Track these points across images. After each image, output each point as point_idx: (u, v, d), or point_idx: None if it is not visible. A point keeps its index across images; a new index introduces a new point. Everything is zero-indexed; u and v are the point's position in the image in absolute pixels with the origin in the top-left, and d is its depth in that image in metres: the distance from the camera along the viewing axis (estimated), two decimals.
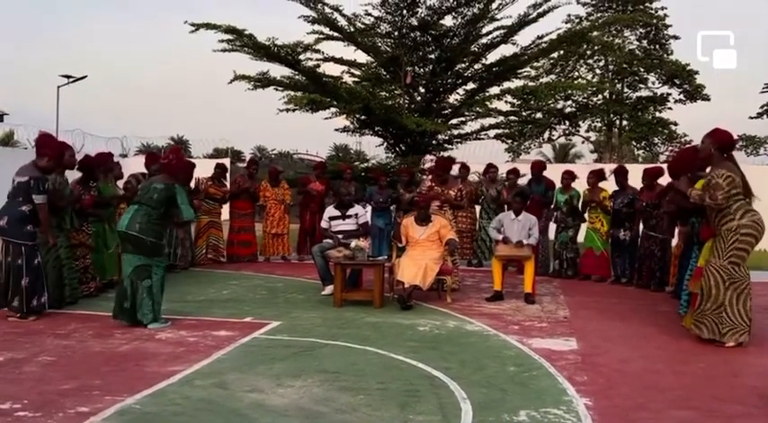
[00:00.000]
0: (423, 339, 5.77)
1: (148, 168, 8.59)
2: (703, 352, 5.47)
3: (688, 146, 6.24)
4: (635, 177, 9.41)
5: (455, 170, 10.43)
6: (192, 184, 10.26)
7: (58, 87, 27.26)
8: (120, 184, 8.63)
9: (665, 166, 8.53)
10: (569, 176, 9.87)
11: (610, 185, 9.68)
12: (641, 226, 9.00)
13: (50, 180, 6.43)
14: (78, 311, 6.69)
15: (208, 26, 12.36)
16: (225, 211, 11.52)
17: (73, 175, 7.39)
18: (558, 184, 10.05)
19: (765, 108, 31.82)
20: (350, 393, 4.19)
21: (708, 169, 5.87)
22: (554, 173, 10.54)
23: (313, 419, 3.73)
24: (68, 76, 27.14)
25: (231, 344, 5.43)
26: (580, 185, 9.96)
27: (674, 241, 8.59)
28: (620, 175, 9.45)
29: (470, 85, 13.83)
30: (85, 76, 27.48)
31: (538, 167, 10.53)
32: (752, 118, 32.26)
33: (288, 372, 4.63)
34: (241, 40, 12.58)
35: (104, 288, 7.74)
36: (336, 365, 4.84)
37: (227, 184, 11.34)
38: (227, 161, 15.04)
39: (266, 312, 6.79)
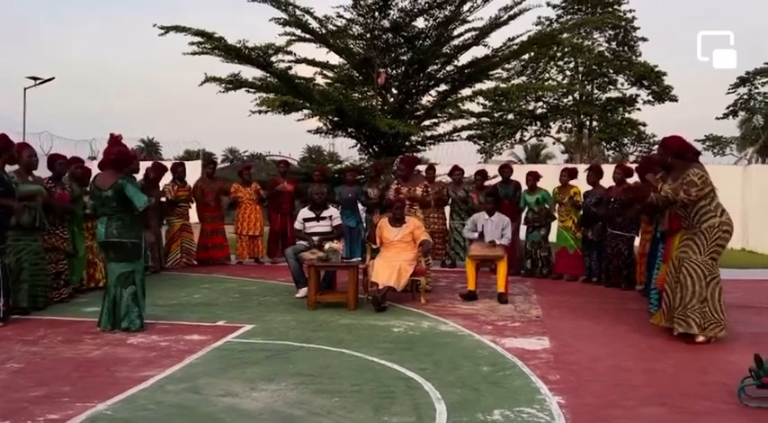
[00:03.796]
0: (397, 340, 5.78)
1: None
2: (673, 349, 5.55)
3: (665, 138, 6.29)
4: (606, 176, 9.54)
5: (421, 169, 10.52)
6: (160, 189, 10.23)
7: (25, 89, 26.89)
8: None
9: (635, 166, 8.68)
10: (533, 178, 9.96)
11: (582, 185, 9.79)
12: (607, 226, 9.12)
13: (6, 175, 6.31)
14: (47, 317, 6.60)
15: (177, 29, 12.24)
16: (192, 212, 11.35)
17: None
18: (524, 186, 10.13)
19: (731, 109, 32.46)
20: (324, 396, 4.18)
21: (672, 173, 5.96)
22: (523, 173, 10.61)
23: (288, 422, 3.72)
24: (35, 78, 26.73)
25: (204, 348, 5.39)
26: (546, 184, 10.08)
27: (638, 240, 8.72)
28: (594, 172, 9.56)
29: (443, 87, 13.87)
30: (53, 79, 27.18)
31: (506, 171, 10.61)
32: (718, 119, 32.93)
33: (262, 375, 4.62)
34: (211, 43, 12.49)
35: (73, 293, 7.65)
36: (311, 368, 4.84)
37: (190, 183, 11.13)
38: (196, 163, 14.92)
39: (239, 316, 6.75)
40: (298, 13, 12.92)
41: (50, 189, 7.24)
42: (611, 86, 31.59)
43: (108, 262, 6.18)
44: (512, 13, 12.83)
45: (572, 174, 9.84)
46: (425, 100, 13.93)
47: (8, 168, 6.45)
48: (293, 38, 13.38)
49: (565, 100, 31.19)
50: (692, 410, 4.05)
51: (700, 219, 5.67)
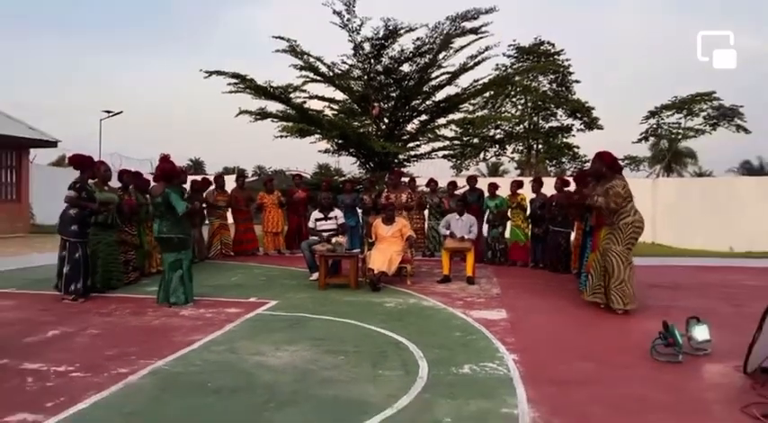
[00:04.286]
0: (389, 313, 5.79)
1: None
2: (600, 318, 5.60)
3: (597, 154, 6.33)
4: (548, 186, 9.60)
5: (405, 181, 10.58)
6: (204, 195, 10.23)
7: (101, 120, 26.79)
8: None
9: (571, 178, 8.76)
10: (493, 187, 10.07)
11: (527, 192, 9.86)
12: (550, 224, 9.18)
13: (89, 186, 6.35)
14: (118, 295, 6.59)
15: (218, 73, 12.24)
16: (229, 214, 11.35)
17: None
18: (486, 193, 10.19)
19: (643, 135, 32.77)
20: (333, 355, 4.19)
21: (602, 181, 6.01)
22: (485, 184, 10.69)
23: (304, 375, 3.73)
24: (108, 111, 26.69)
25: (239, 318, 5.40)
26: (502, 193, 10.14)
27: (573, 234, 8.77)
28: (536, 182, 9.67)
29: (423, 117, 13.86)
30: (122, 112, 27.09)
31: (472, 181, 10.69)
32: (634, 142, 33.22)
33: (284, 339, 4.62)
34: (244, 84, 12.48)
35: (139, 277, 7.63)
36: (322, 334, 4.84)
37: (228, 191, 11.20)
38: (233, 176, 14.89)
39: (266, 294, 6.73)
40: (311, 60, 12.95)
41: (120, 196, 7.24)
42: (552, 118, 31.78)
43: (162, 252, 6.19)
44: (476, 60, 12.90)
45: (519, 185, 10.01)
46: (410, 127, 13.93)
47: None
48: (307, 79, 13.39)
49: (517, 128, 31.32)
50: (615, 364, 4.09)
51: (618, 217, 5.74)
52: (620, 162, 6.08)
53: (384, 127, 13.41)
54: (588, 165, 8.31)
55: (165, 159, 6.26)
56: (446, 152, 14.79)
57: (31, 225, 16.13)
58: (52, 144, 16.40)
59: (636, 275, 5.79)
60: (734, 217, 14.92)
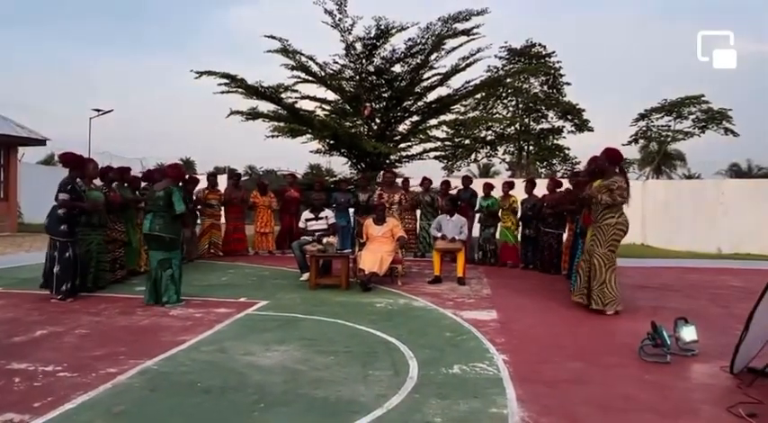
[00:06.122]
0: (380, 313, 5.79)
1: (148, 180, 8.30)
2: (589, 319, 5.63)
3: (594, 157, 6.35)
4: (540, 188, 9.65)
5: (399, 182, 10.62)
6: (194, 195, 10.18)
7: (90, 118, 26.52)
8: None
9: (564, 180, 8.84)
10: (488, 187, 10.09)
11: (519, 194, 9.90)
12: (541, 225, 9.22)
13: (78, 185, 6.29)
14: (107, 294, 6.54)
15: (209, 73, 12.21)
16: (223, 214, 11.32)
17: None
18: (481, 193, 10.22)
19: (633, 137, 33.00)
20: (323, 355, 4.18)
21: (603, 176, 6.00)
22: (478, 184, 10.74)
23: (295, 375, 3.72)
24: (98, 110, 26.45)
25: (229, 318, 5.37)
26: (495, 193, 10.17)
27: (565, 235, 8.82)
28: (529, 184, 9.72)
29: (415, 118, 13.90)
30: (112, 110, 26.86)
31: (467, 180, 10.73)
32: (624, 144, 33.42)
33: (274, 339, 4.61)
34: (235, 84, 12.45)
35: (128, 275, 7.58)
36: (312, 334, 4.83)
37: (221, 190, 11.15)
38: (224, 176, 14.87)
39: (256, 294, 6.71)
40: (303, 59, 12.93)
41: (106, 193, 7.18)
42: (543, 119, 31.92)
43: (150, 250, 6.16)
44: (468, 62, 12.97)
45: (511, 186, 10.02)
46: (401, 127, 13.96)
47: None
48: (299, 79, 13.38)
49: (508, 130, 31.43)
50: (605, 364, 4.12)
51: (603, 216, 5.77)
52: (620, 158, 6.07)
53: (376, 127, 13.42)
54: (579, 166, 8.37)
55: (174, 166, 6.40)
56: (437, 153, 14.85)
57: (18, 224, 15.99)
58: (41, 142, 16.25)
59: (624, 277, 5.84)
60: (722, 219, 15.06)
